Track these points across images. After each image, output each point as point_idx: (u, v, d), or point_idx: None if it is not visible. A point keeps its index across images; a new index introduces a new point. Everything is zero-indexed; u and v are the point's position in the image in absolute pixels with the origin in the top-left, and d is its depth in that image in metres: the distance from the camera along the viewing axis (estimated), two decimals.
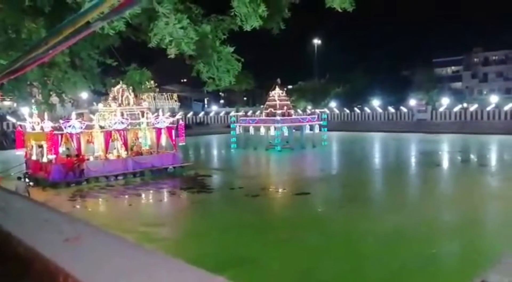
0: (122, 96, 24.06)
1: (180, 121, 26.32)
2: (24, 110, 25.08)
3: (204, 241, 11.70)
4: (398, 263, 9.72)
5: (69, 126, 20.83)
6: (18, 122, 25.42)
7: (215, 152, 40.21)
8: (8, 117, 44.85)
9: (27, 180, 20.40)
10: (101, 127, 22.26)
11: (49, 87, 8.96)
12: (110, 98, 24.27)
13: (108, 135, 22.22)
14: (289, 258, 10.23)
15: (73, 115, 21.60)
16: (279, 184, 20.87)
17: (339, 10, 6.57)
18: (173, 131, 24.89)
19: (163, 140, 24.91)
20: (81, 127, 21.30)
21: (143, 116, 24.33)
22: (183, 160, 25.73)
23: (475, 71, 76.01)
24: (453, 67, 79.71)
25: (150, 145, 24.58)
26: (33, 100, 10.34)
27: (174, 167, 24.04)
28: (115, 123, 22.46)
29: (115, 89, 22.84)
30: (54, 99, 10.67)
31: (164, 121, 24.61)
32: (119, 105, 23.95)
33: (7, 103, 52.53)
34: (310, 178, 22.18)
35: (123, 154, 23.07)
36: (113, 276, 0.66)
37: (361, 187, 19.21)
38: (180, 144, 25.48)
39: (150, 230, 12.85)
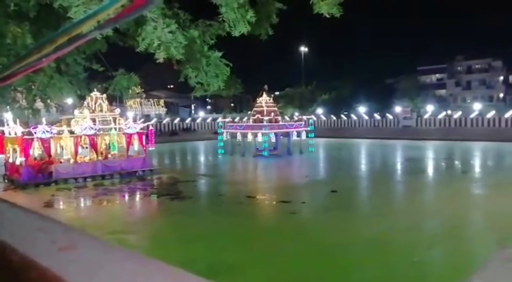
0: (95, 103, 25.11)
1: (150, 127, 27.55)
2: (7, 115, 25.22)
3: (177, 249, 11.33)
4: (382, 271, 9.75)
5: (40, 131, 21.90)
6: None
7: (201, 158, 40.01)
8: None
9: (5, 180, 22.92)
10: (72, 132, 23.30)
11: (34, 92, 8.82)
12: (84, 104, 24.97)
13: (77, 140, 23.30)
14: (271, 268, 10.07)
15: (43, 121, 22.18)
16: (264, 190, 20.71)
17: (327, 15, 6.63)
18: (144, 137, 26.08)
19: (135, 145, 25.86)
20: (51, 133, 22.53)
21: (114, 122, 25.35)
22: (153, 164, 26.80)
23: (459, 79, 77.46)
24: (437, 75, 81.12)
25: (123, 149, 25.39)
26: (16, 106, 10.17)
27: (143, 171, 25.07)
28: (85, 128, 23.45)
29: (89, 96, 23.39)
30: (39, 104, 10.54)
31: (135, 127, 25.70)
32: (92, 111, 24.91)
33: None
34: (295, 185, 22.19)
35: (94, 157, 23.94)
36: None
37: (345, 194, 19.19)
38: (150, 149, 26.80)
39: (119, 237, 12.39)
